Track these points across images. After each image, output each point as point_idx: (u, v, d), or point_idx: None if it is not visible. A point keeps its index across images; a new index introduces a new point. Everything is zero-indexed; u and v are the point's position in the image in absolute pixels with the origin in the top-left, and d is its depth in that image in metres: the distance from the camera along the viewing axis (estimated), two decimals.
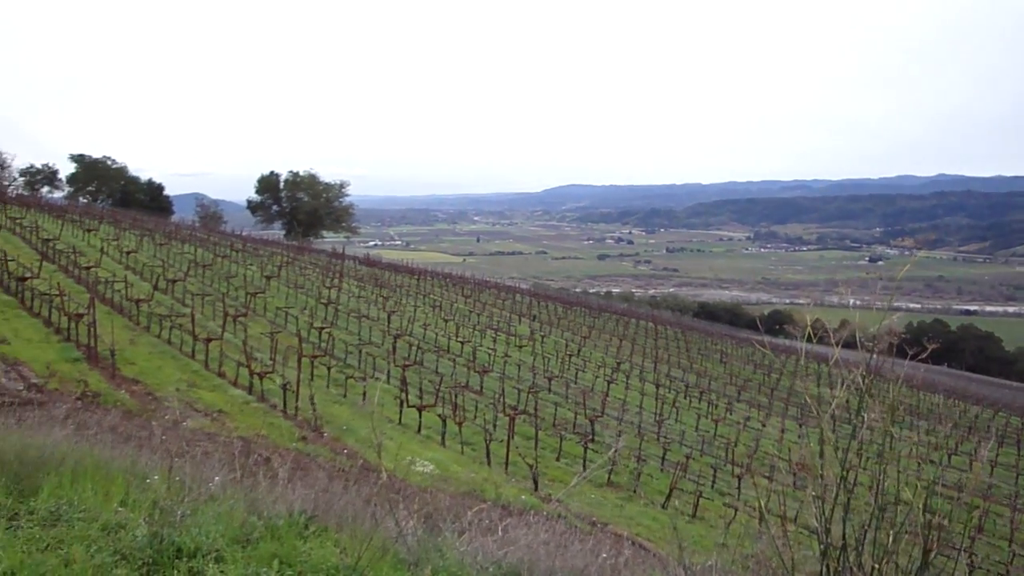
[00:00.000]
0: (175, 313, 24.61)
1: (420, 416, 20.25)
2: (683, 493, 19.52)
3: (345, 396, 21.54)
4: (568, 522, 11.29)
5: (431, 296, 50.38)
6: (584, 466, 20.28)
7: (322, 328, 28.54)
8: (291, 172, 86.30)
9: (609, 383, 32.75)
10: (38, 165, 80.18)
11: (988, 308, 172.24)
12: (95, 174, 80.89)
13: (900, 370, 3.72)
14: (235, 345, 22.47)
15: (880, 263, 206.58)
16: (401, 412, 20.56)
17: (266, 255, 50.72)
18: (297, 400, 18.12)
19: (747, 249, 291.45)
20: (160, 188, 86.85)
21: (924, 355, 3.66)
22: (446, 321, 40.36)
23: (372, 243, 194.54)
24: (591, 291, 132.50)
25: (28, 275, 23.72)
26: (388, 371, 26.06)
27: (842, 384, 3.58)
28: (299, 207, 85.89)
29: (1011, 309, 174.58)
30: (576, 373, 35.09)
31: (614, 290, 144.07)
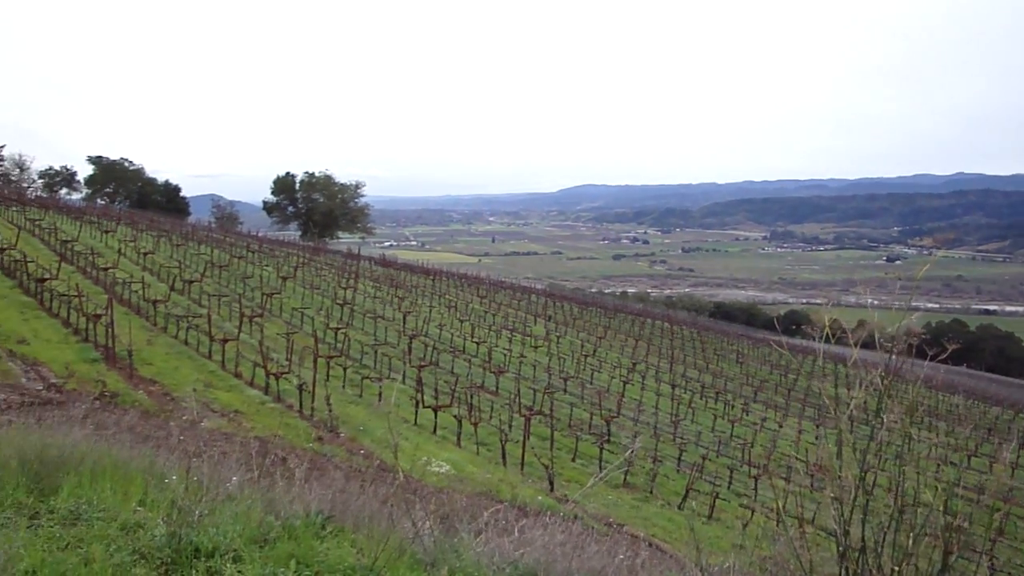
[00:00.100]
0: (192, 314, 24.76)
1: (436, 416, 20.27)
2: (699, 494, 19.45)
3: (361, 396, 21.60)
4: (584, 523, 11.27)
5: (446, 296, 50.45)
6: (600, 467, 20.25)
7: (338, 329, 28.64)
8: (307, 173, 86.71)
9: (625, 383, 32.67)
10: (56, 167, 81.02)
11: (1008, 308, 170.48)
12: (112, 176, 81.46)
13: (919, 371, 3.69)
14: (251, 346, 22.58)
15: (898, 263, 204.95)
16: (417, 412, 20.59)
17: (282, 256, 50.92)
18: (313, 400, 18.18)
19: (763, 249, 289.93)
20: (177, 189, 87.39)
21: (944, 356, 3.63)
22: (461, 322, 40.39)
23: (387, 244, 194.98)
24: (606, 291, 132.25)
25: (47, 276, 23.91)
26: (404, 371, 26.10)
27: (860, 385, 3.56)
28: (315, 208, 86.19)
29: None
30: (592, 373, 35.02)
31: (629, 290, 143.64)
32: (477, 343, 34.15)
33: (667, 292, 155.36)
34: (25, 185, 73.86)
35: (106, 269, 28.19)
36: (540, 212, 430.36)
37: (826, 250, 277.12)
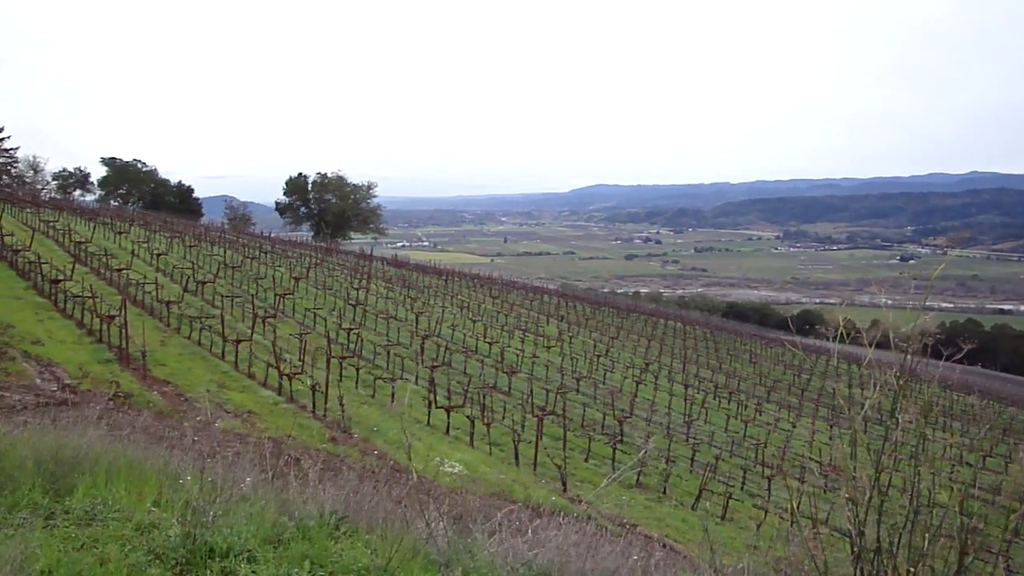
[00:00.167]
0: (205, 314, 24.86)
1: (448, 417, 20.29)
2: (713, 494, 19.39)
3: (374, 397, 21.64)
4: (598, 523, 11.25)
5: (459, 297, 50.49)
6: (613, 467, 20.23)
7: (351, 329, 28.69)
8: (319, 174, 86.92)
9: (637, 384, 32.63)
10: (70, 169, 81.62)
11: (1023, 307, 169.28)
12: (126, 177, 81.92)
13: (934, 371, 3.67)
14: (264, 346, 22.66)
15: (912, 262, 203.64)
16: (429, 413, 20.61)
17: (295, 256, 51.06)
18: (326, 401, 18.22)
19: (776, 248, 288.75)
20: (190, 190, 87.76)
21: (959, 355, 3.61)
22: (474, 322, 40.42)
23: (400, 244, 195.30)
24: (619, 291, 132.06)
25: (61, 278, 24.06)
26: (416, 372, 26.15)
27: (875, 385, 3.54)
28: (327, 208, 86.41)
29: None
30: (604, 374, 34.98)
31: (642, 290, 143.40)
32: (489, 343, 34.16)
33: (680, 292, 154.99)
34: (39, 187, 74.41)
35: (120, 270, 28.34)
36: (552, 212, 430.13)
37: (839, 250, 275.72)
